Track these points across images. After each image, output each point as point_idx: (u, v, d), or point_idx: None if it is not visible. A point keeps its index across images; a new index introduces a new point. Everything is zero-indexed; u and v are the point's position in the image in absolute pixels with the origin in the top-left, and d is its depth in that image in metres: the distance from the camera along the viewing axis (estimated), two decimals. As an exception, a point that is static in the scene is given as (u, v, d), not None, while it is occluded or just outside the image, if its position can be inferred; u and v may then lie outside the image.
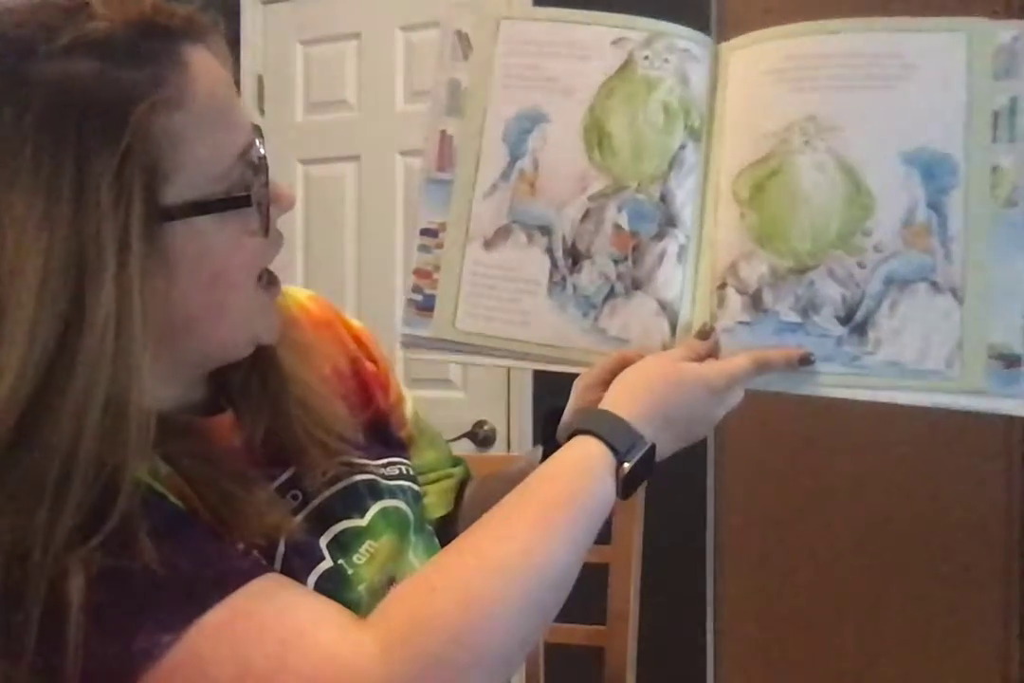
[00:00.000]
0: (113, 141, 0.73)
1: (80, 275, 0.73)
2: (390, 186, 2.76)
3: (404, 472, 1.02)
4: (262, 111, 2.96)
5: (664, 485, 1.70)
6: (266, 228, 0.82)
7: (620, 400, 0.91)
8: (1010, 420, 2.07)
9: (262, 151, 0.83)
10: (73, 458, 0.73)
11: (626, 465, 0.86)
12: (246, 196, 0.80)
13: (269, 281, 0.88)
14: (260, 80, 2.96)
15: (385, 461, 1.01)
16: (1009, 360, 0.93)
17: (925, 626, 2.17)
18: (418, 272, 1.04)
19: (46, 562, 0.71)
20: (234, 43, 0.86)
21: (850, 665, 2.24)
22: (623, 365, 0.96)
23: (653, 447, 0.89)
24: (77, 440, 0.73)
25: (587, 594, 1.27)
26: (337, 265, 2.85)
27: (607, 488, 0.85)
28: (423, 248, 1.04)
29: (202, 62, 0.80)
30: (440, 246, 1.03)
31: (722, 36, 1.04)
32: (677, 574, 2.38)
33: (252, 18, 2.97)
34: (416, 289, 1.04)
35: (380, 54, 2.83)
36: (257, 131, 0.85)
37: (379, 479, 0.98)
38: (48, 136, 0.73)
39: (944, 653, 2.15)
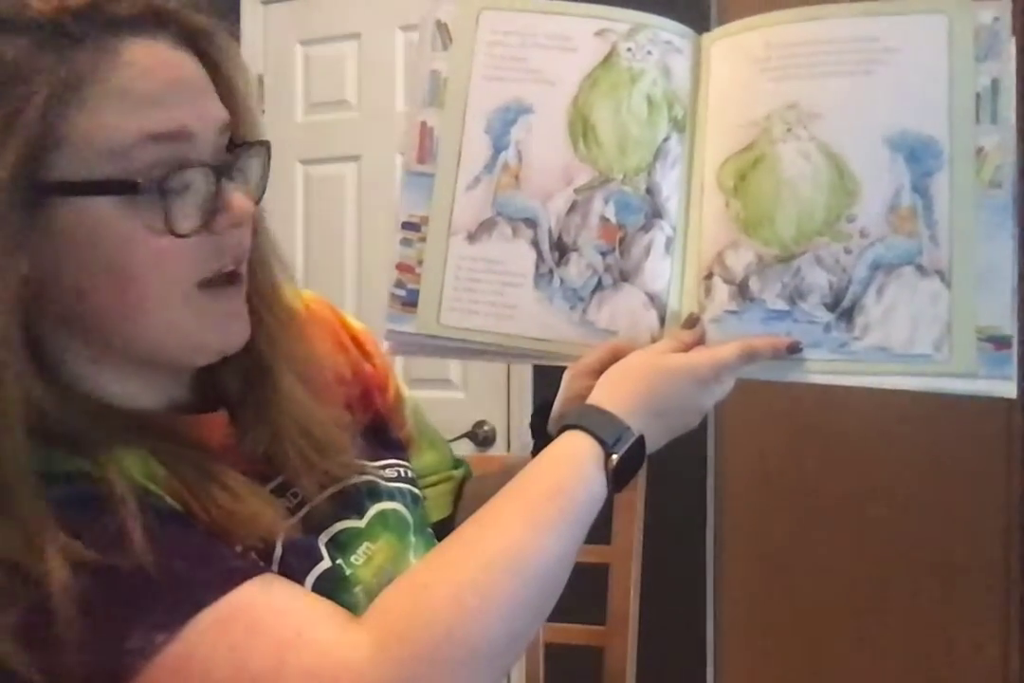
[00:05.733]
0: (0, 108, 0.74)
1: None
2: (390, 186, 2.74)
3: (403, 475, 1.02)
4: (262, 111, 2.95)
5: (664, 484, 1.70)
6: (171, 227, 0.78)
7: (606, 394, 0.91)
8: (1009, 415, 2.06)
9: (232, 159, 0.82)
10: None
11: (614, 457, 0.85)
12: (131, 183, 0.76)
13: (228, 281, 0.84)
14: (260, 80, 2.96)
15: (384, 463, 1.00)
16: (999, 342, 0.93)
17: (925, 626, 2.16)
18: (400, 266, 1.03)
19: (29, 563, 0.71)
20: (217, 23, 0.85)
21: (851, 665, 2.23)
22: (614, 356, 0.96)
23: (642, 438, 0.88)
24: None
25: (587, 594, 1.27)
26: (337, 265, 2.86)
27: (597, 481, 0.85)
28: (405, 242, 1.03)
29: (143, 51, 0.78)
30: (422, 240, 1.03)
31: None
32: (677, 574, 2.37)
33: (252, 18, 2.98)
34: (399, 284, 1.03)
35: (380, 54, 2.83)
36: (248, 146, 0.84)
37: (378, 481, 0.97)
38: None
39: (944, 653, 2.15)
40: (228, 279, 0.84)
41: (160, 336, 0.81)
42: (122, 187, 0.76)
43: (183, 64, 0.80)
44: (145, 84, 0.77)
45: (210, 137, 0.81)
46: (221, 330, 0.84)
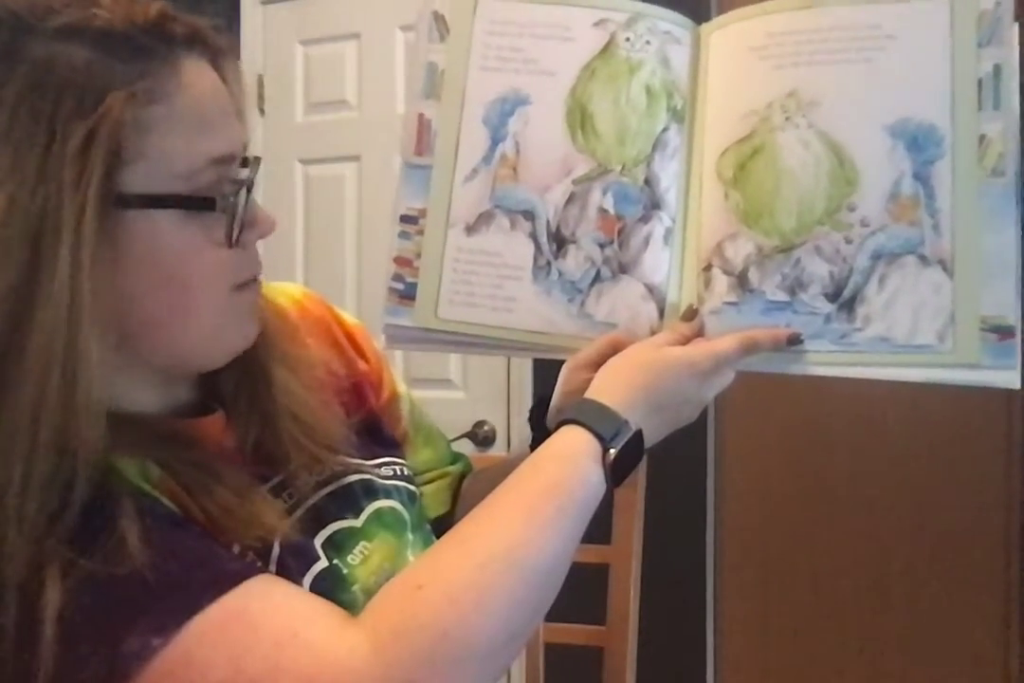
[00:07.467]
0: (83, 120, 0.73)
1: (35, 248, 0.73)
2: (390, 186, 2.70)
3: (399, 472, 1.01)
4: (262, 111, 2.95)
5: (664, 484, 1.70)
6: (230, 240, 0.81)
7: (604, 388, 0.90)
8: (1010, 416, 2.05)
9: (251, 174, 0.83)
10: (33, 450, 0.72)
11: (612, 451, 0.85)
12: (210, 200, 0.79)
13: (253, 283, 0.87)
14: (260, 80, 2.96)
15: (379, 461, 1.00)
16: (1003, 332, 0.92)
17: (925, 626, 2.16)
18: (398, 260, 1.03)
19: (22, 564, 0.71)
20: (234, 43, 0.87)
21: (850, 664, 2.22)
22: (613, 349, 0.95)
23: (640, 433, 0.88)
24: (36, 426, 0.72)
25: (587, 594, 1.26)
26: (337, 265, 2.85)
27: (594, 476, 0.84)
28: (403, 235, 1.03)
29: (197, 72, 0.80)
30: (420, 233, 1.02)
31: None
32: (677, 574, 2.37)
33: (252, 18, 2.98)
34: (397, 277, 1.02)
35: (380, 54, 2.83)
36: (255, 161, 0.85)
37: (374, 479, 0.97)
38: (25, 108, 0.73)
39: (944, 653, 2.14)
40: (253, 281, 0.87)
41: (197, 340, 0.84)
42: (200, 203, 0.79)
43: (222, 87, 0.83)
44: (204, 108, 0.80)
45: (240, 155, 0.84)
46: (244, 329, 0.87)
